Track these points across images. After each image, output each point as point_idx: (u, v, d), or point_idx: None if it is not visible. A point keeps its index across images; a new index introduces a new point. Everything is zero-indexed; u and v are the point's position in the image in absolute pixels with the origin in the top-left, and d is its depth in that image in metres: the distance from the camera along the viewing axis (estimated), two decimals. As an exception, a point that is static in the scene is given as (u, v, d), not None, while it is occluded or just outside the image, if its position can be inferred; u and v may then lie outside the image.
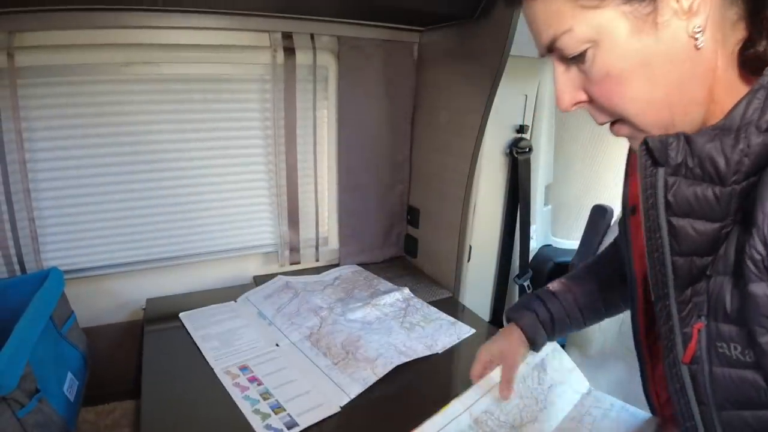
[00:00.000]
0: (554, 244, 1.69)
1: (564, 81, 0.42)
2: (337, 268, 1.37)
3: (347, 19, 1.19)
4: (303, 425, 0.75)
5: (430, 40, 1.29)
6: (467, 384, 0.66)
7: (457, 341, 1.01)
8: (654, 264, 0.43)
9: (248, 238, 1.31)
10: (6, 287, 0.95)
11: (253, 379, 0.87)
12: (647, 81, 0.38)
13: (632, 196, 0.52)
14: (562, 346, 0.74)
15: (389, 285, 1.26)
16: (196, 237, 1.25)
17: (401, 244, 1.49)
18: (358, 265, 1.40)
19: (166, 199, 1.19)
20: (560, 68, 0.42)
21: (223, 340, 0.99)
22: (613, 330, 1.17)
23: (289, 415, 0.78)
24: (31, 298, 0.85)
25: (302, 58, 1.18)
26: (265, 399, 0.81)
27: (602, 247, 1.29)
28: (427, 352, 0.96)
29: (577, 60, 0.40)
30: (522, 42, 0.99)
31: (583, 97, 0.42)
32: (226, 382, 0.86)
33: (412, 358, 0.93)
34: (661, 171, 0.40)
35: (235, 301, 1.17)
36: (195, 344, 0.97)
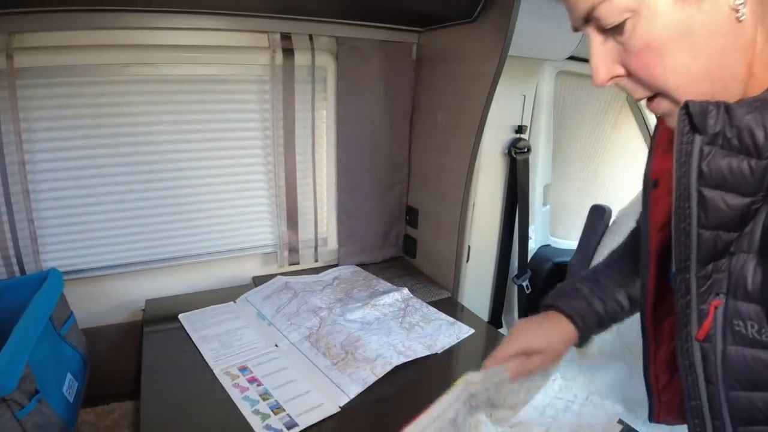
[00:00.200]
0: (553, 244, 1.70)
1: (601, 53, 0.41)
2: (336, 269, 1.37)
3: (346, 20, 1.20)
4: (302, 425, 0.76)
5: (428, 41, 1.29)
6: None
7: (456, 341, 1.02)
8: (679, 235, 0.42)
9: (247, 238, 1.31)
10: (5, 288, 0.95)
11: (252, 380, 0.87)
12: (688, 52, 0.37)
13: (654, 171, 0.52)
14: None
15: (388, 285, 1.26)
16: (196, 238, 1.25)
17: (400, 244, 1.49)
18: (357, 265, 1.40)
19: (166, 199, 1.19)
20: (597, 40, 0.41)
21: (223, 341, 0.99)
22: (613, 330, 1.17)
23: (288, 415, 0.78)
24: (31, 299, 0.85)
25: (301, 58, 1.18)
26: (264, 399, 0.82)
27: (601, 247, 1.29)
28: (427, 352, 0.96)
29: (615, 31, 0.39)
30: (520, 43, 1.00)
31: (620, 70, 0.41)
32: (226, 382, 0.86)
33: (411, 359, 0.93)
34: (698, 139, 0.39)
35: (235, 302, 1.17)
36: (194, 345, 0.97)
